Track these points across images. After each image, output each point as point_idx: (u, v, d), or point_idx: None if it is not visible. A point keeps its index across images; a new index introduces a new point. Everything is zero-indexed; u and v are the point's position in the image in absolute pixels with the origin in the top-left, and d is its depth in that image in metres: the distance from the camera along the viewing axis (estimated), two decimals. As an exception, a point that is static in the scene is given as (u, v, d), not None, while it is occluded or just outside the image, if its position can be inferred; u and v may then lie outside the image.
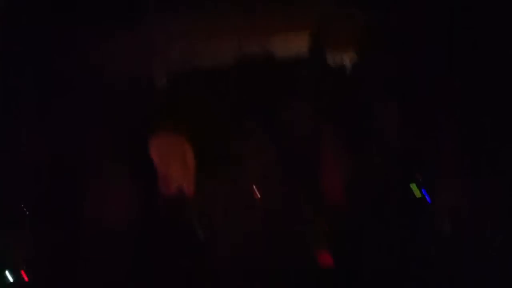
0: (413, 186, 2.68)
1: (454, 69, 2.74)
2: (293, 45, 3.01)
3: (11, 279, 2.42)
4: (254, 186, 2.73)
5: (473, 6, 2.72)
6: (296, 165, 2.79)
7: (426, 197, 2.65)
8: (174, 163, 2.72)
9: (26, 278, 2.44)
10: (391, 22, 2.95)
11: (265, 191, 2.75)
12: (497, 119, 2.66)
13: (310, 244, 2.67)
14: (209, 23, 2.98)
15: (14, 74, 2.68)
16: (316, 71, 2.95)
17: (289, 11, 3.00)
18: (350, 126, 2.84)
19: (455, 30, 2.78)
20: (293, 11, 3.00)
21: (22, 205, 2.61)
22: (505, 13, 2.67)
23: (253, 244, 2.65)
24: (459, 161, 2.67)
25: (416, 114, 2.82)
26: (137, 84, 2.88)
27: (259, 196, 2.73)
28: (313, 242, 2.68)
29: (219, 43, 3.00)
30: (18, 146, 2.67)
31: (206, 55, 2.98)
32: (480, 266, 2.47)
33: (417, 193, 2.67)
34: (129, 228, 2.68)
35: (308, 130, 2.84)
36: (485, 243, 2.52)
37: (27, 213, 2.60)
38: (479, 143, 2.65)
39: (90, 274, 2.55)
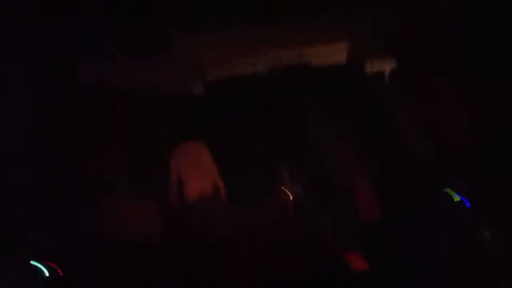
0: (450, 191, 2.58)
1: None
2: (330, 55, 3.01)
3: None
4: (284, 189, 2.72)
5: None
6: (327, 172, 2.77)
7: (464, 200, 2.55)
8: (195, 170, 2.72)
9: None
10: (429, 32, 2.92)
11: (295, 195, 2.73)
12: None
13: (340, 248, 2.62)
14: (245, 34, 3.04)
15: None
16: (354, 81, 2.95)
17: (325, 21, 3.02)
18: (383, 134, 2.81)
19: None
20: (329, 21, 3.02)
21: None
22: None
23: (281, 247, 2.61)
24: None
25: (453, 121, 2.75)
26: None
27: (290, 198, 2.71)
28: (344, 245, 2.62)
29: (255, 54, 3.04)
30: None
31: (242, 66, 3.04)
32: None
33: (455, 198, 2.56)
34: (155, 239, 2.71)
35: (339, 140, 2.82)
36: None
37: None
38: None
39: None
